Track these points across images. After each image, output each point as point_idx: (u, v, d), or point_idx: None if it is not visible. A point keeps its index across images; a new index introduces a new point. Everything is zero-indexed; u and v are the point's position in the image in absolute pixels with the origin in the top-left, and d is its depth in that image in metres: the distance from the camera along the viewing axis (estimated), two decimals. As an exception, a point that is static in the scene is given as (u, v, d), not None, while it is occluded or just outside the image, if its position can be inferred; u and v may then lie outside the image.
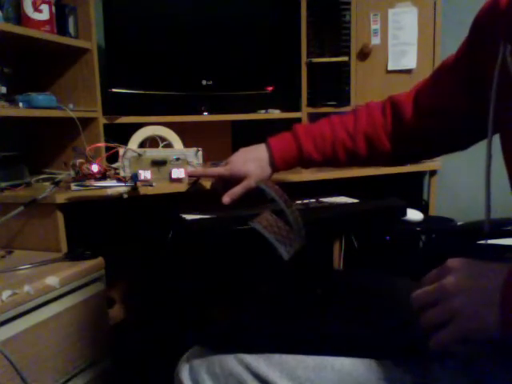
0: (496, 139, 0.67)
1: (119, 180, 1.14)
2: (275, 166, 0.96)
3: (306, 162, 0.96)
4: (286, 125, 1.89)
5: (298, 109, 1.76)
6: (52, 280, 0.91)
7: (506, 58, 0.61)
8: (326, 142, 0.93)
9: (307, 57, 1.71)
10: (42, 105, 1.22)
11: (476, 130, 0.76)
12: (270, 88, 1.77)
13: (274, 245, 0.70)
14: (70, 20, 1.37)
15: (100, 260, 1.05)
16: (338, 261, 1.84)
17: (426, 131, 0.85)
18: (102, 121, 1.43)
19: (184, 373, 0.66)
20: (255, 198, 0.88)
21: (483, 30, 0.69)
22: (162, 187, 1.15)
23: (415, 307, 0.52)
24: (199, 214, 0.97)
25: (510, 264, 0.48)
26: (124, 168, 1.12)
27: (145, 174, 1.11)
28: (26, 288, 0.85)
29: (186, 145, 1.34)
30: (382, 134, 0.90)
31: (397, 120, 0.89)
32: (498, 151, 0.67)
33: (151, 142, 1.37)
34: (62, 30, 1.35)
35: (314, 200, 1.07)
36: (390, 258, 1.59)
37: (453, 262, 0.52)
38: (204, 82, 1.66)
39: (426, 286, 0.53)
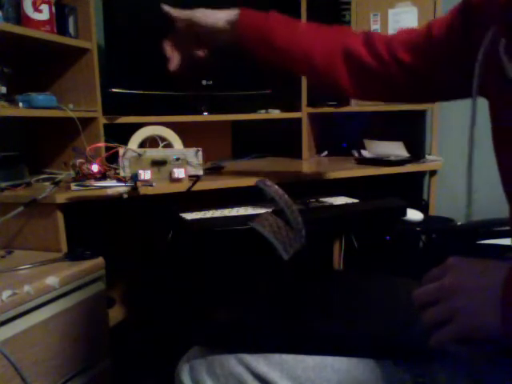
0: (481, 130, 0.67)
1: (119, 180, 1.14)
2: (235, 25, 0.90)
3: (265, 41, 0.90)
4: (286, 125, 1.90)
5: (298, 109, 1.76)
6: (52, 280, 0.91)
7: (499, 53, 0.59)
8: (294, 35, 0.91)
9: (307, 57, 1.71)
10: (42, 105, 1.22)
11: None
12: (270, 88, 1.77)
13: (273, 245, 0.70)
14: (70, 20, 1.37)
15: (100, 260, 1.05)
16: (337, 261, 1.84)
17: (402, 82, 0.83)
18: (102, 121, 1.43)
19: (184, 373, 0.66)
20: (255, 198, 0.88)
21: (475, 14, 0.68)
22: (162, 187, 1.15)
23: (416, 305, 0.52)
24: (199, 213, 0.97)
25: (510, 262, 0.48)
26: (124, 168, 1.12)
27: (145, 174, 1.11)
28: (26, 288, 0.85)
29: (186, 145, 1.34)
30: (340, 64, 0.87)
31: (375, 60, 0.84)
32: (489, 147, 0.67)
33: (151, 141, 1.37)
34: (62, 30, 1.35)
35: (313, 200, 1.07)
36: (390, 258, 1.59)
37: (453, 261, 0.52)
38: (204, 82, 1.66)
39: (426, 284, 0.53)
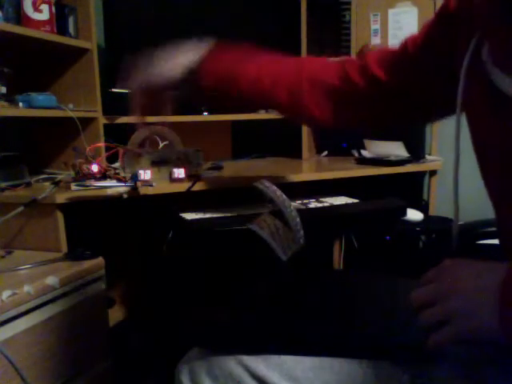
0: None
1: (119, 180, 1.14)
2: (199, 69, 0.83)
3: (230, 84, 0.84)
4: (286, 125, 1.90)
5: (298, 109, 1.76)
6: (52, 280, 0.91)
7: (482, 58, 0.59)
8: (258, 80, 0.83)
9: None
10: (41, 105, 1.22)
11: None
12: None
13: (271, 246, 0.70)
14: (70, 20, 1.37)
15: (100, 260, 1.05)
16: (337, 261, 1.84)
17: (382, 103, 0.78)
18: (102, 121, 1.43)
19: (184, 374, 0.66)
20: (254, 198, 0.88)
21: (452, 24, 0.65)
22: (162, 187, 1.15)
23: (414, 307, 0.52)
24: (199, 213, 0.97)
25: (507, 263, 0.48)
26: (124, 168, 1.12)
27: (145, 174, 1.11)
28: (26, 288, 0.85)
29: (186, 145, 1.34)
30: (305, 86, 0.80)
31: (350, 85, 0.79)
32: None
33: (151, 141, 1.37)
34: (62, 30, 1.35)
35: (313, 200, 1.08)
36: (390, 258, 1.59)
37: (450, 262, 0.52)
38: (204, 82, 1.66)
39: (423, 285, 0.53)
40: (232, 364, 0.62)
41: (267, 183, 0.77)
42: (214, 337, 0.67)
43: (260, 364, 0.60)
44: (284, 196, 0.76)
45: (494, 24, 0.56)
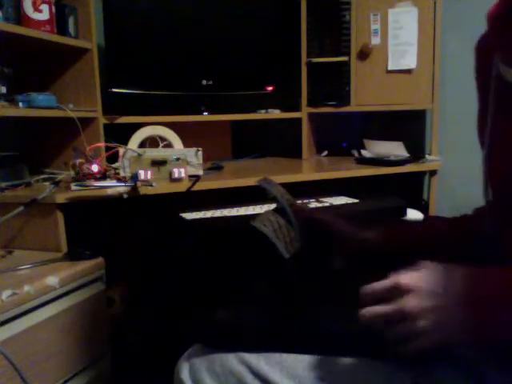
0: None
1: (119, 180, 1.14)
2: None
3: None
4: (286, 125, 1.90)
5: (298, 109, 1.76)
6: (52, 280, 0.91)
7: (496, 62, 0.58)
8: None
9: (307, 57, 1.71)
10: (42, 105, 1.22)
11: None
12: (270, 88, 1.77)
13: (274, 244, 0.70)
14: (70, 20, 1.37)
15: (100, 260, 1.05)
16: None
17: None
18: (102, 121, 1.43)
19: (184, 372, 0.66)
20: (255, 197, 0.88)
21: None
22: (162, 187, 1.15)
23: (373, 323, 0.52)
24: (199, 213, 0.97)
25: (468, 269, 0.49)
26: (124, 168, 1.12)
27: (145, 174, 1.11)
28: (26, 288, 0.85)
29: (186, 145, 1.34)
30: None
31: None
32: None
33: (151, 141, 1.37)
34: (62, 30, 1.35)
35: (313, 200, 1.08)
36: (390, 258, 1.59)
37: (407, 280, 0.52)
38: (204, 82, 1.66)
39: (377, 289, 0.54)
40: (233, 361, 0.62)
41: (271, 182, 0.77)
42: (215, 334, 0.67)
43: (261, 361, 0.60)
44: (287, 194, 0.76)
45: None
